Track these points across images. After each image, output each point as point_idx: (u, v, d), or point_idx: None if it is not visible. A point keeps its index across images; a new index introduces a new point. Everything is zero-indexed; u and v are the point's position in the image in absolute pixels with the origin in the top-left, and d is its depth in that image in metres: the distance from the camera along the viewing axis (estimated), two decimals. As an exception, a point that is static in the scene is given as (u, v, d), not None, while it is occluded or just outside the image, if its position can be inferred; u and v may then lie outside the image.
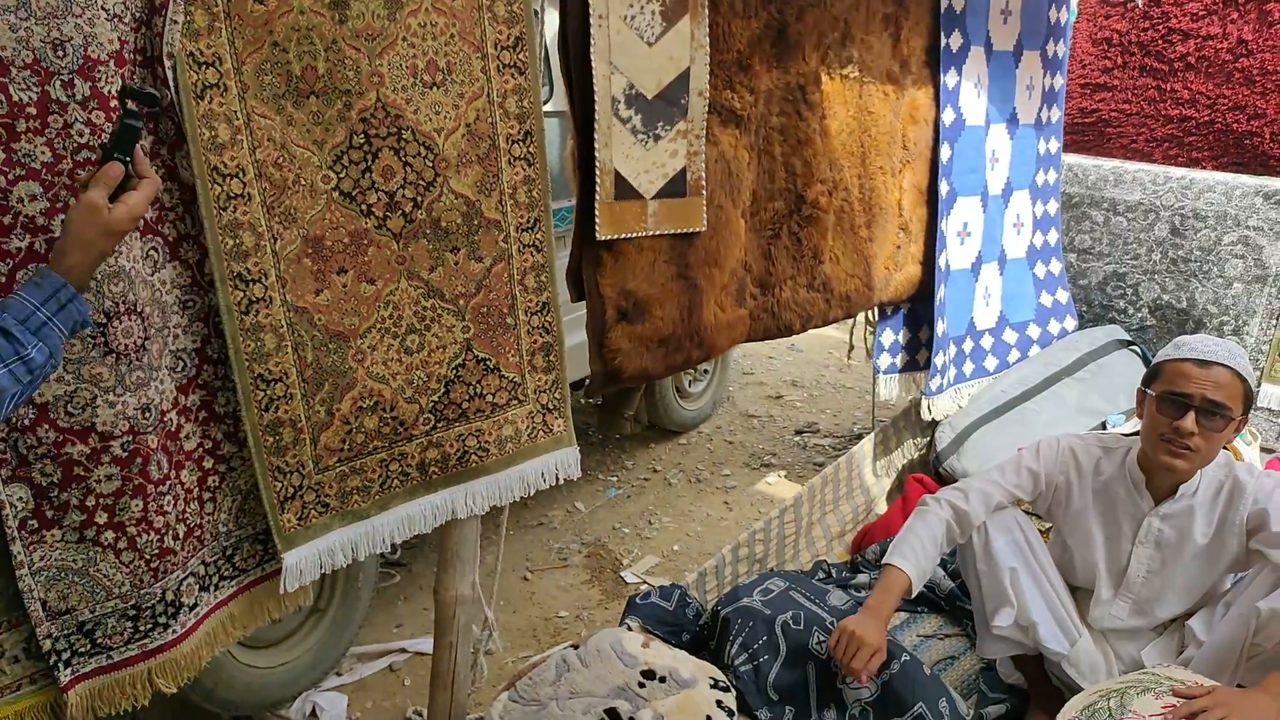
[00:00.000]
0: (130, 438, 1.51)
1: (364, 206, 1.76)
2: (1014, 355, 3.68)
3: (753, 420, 4.96)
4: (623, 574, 3.46)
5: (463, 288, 1.94)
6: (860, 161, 2.83)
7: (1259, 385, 3.63)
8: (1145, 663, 2.18)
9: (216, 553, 1.75)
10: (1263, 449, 3.43)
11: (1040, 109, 3.59)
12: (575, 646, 2.21)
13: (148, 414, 1.53)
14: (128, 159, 1.24)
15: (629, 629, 2.36)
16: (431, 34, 1.79)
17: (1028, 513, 2.45)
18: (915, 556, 2.11)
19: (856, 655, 1.98)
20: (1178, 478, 2.07)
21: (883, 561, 2.15)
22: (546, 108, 3.19)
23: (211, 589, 1.74)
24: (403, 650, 2.99)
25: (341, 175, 1.72)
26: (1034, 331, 3.75)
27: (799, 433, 4.78)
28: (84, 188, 1.23)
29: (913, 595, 2.13)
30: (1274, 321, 3.67)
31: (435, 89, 1.82)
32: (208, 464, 1.71)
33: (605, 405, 4.37)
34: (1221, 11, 3.92)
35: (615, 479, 4.26)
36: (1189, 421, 1.96)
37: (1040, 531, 2.37)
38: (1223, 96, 3.99)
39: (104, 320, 1.45)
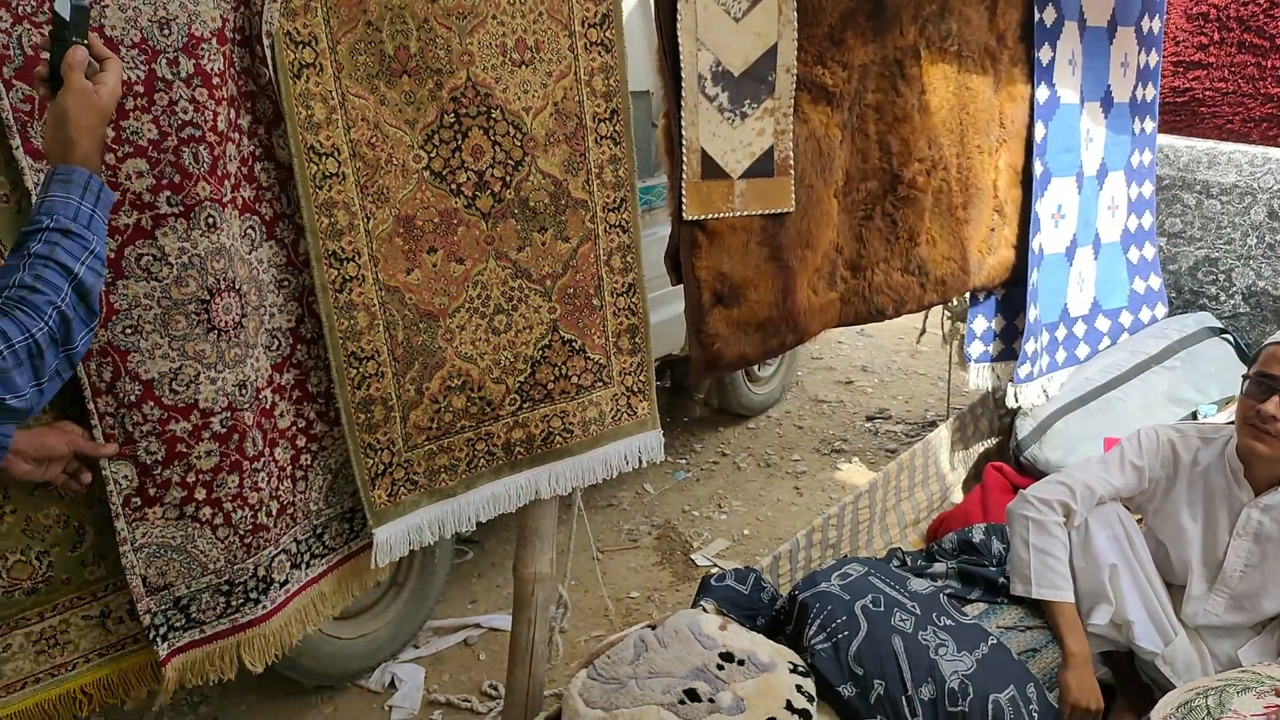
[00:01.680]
0: (229, 414, 1.53)
1: (454, 186, 1.76)
2: (1105, 343, 3.56)
3: (822, 405, 4.89)
4: (693, 556, 3.45)
5: (549, 268, 1.93)
6: (959, 140, 2.74)
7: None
8: (1243, 661, 2.11)
9: (308, 531, 1.78)
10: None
11: (1135, 87, 3.45)
12: (653, 627, 2.21)
13: (244, 390, 1.55)
14: (85, 41, 1.22)
15: (704, 610, 2.34)
16: (520, 11, 1.77)
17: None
18: (1065, 578, 2.15)
19: None
20: (1277, 468, 1.99)
21: (1039, 596, 2.18)
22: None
23: (303, 566, 1.77)
24: (477, 625, 3.03)
25: (432, 155, 1.72)
26: (1126, 319, 3.62)
27: (870, 419, 4.71)
28: (45, 82, 1.21)
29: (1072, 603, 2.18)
30: (1381, 310, 3.49)
31: (524, 67, 1.80)
32: (300, 442, 1.73)
33: (674, 388, 4.35)
34: (1332, -18, 3.72)
35: (684, 461, 4.25)
36: (1272, 405, 1.92)
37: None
38: (1331, 73, 3.79)
39: (207, 297, 1.48)
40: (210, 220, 1.46)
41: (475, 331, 1.85)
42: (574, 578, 3.23)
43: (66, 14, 1.19)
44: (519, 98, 1.81)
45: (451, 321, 1.81)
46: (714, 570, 3.24)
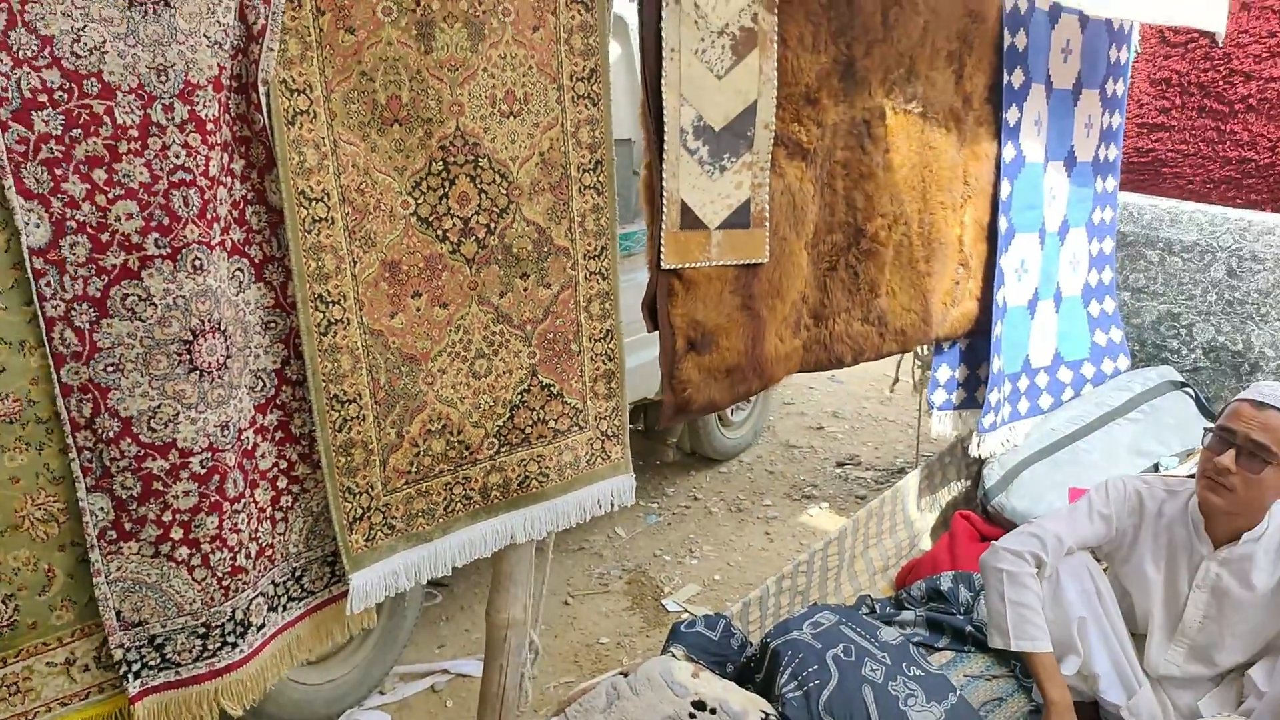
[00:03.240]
0: (209, 455, 1.54)
1: (440, 232, 1.79)
2: (1068, 394, 3.64)
3: (794, 450, 4.93)
4: (664, 602, 3.45)
5: (530, 313, 1.96)
6: (921, 196, 2.83)
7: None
8: (1203, 713, 2.14)
9: (286, 574, 1.77)
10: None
11: (1098, 147, 3.57)
12: (625, 674, 2.20)
13: (226, 431, 1.56)
14: None
15: (674, 657, 2.35)
16: (511, 65, 1.82)
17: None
18: (1041, 629, 2.14)
19: None
20: (1236, 523, 2.05)
21: (1018, 649, 2.16)
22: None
23: (280, 609, 1.76)
24: (445, 671, 2.99)
25: (420, 201, 1.75)
26: (1088, 370, 3.70)
27: (841, 464, 4.75)
28: None
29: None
30: (1334, 368, 3.60)
31: (512, 118, 1.84)
32: (281, 484, 1.73)
33: (647, 431, 4.37)
34: (1284, 53, 3.89)
35: (656, 505, 4.25)
36: (1227, 458, 1.97)
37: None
38: (1285, 139, 3.95)
39: (190, 337, 1.48)
40: (197, 263, 1.47)
41: (456, 375, 1.86)
42: (544, 622, 3.22)
43: None
44: (506, 147, 1.85)
45: (433, 365, 1.83)
46: (684, 616, 3.25)
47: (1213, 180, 4.17)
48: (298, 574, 1.79)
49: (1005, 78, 2.99)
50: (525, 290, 1.94)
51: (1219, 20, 3.24)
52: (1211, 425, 2.08)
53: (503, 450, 1.98)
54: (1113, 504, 2.24)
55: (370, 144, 1.68)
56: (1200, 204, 3.98)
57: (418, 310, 1.79)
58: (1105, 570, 2.37)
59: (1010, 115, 3.06)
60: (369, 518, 1.79)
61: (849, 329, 2.76)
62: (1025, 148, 3.18)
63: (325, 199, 1.63)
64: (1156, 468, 3.36)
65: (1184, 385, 3.69)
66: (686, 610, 3.38)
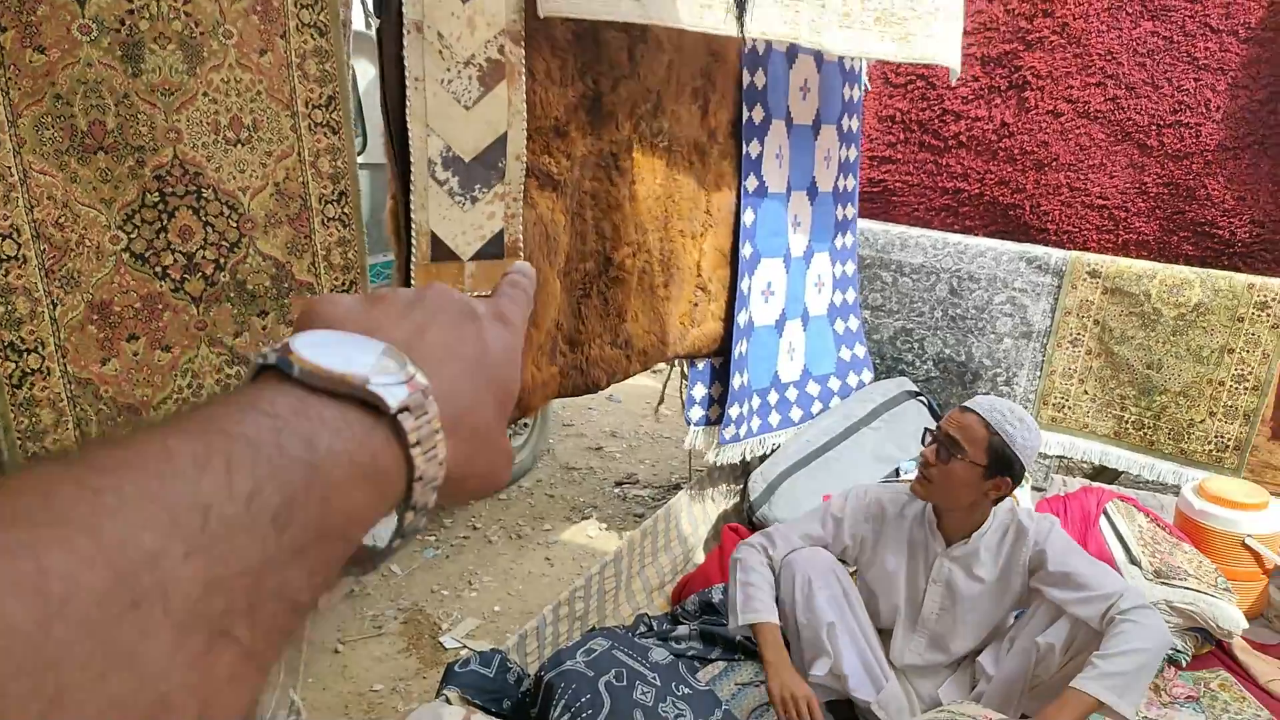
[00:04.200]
0: None
1: (158, 269, 1.65)
2: (817, 406, 3.90)
3: (573, 472, 4.96)
4: (442, 639, 3.35)
5: (270, 353, 1.84)
6: (663, 225, 2.96)
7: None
8: (942, 699, 2.34)
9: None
10: (1034, 488, 3.79)
11: (837, 178, 3.86)
12: (392, 725, 2.12)
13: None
14: None
15: (447, 701, 2.28)
16: (236, 90, 1.72)
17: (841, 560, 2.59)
18: (766, 604, 2.29)
19: (807, 710, 2.11)
20: (964, 522, 2.26)
21: (745, 623, 2.29)
22: (359, 160, 3.13)
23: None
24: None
25: (133, 235, 1.61)
26: (835, 384, 3.98)
27: (619, 484, 4.83)
28: None
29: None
30: (1038, 373, 4.08)
31: (240, 146, 1.74)
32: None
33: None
34: (987, 96, 4.39)
35: (433, 538, 4.13)
36: (929, 451, 2.18)
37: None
38: (990, 172, 4.45)
39: None
40: None
41: (185, 423, 1.72)
42: (311, 675, 3.03)
43: None
44: (234, 177, 1.74)
45: (156, 414, 1.68)
46: (463, 653, 3.17)
47: (934, 208, 4.63)
48: None
49: (745, 114, 3.18)
50: (264, 329, 1.83)
51: (957, 59, 3.56)
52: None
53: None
54: (848, 509, 2.42)
55: (70, 174, 1.52)
56: (925, 229, 4.40)
57: (135, 355, 1.64)
58: (854, 575, 2.55)
59: (752, 149, 3.25)
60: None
61: (602, 353, 2.83)
62: (768, 178, 3.39)
63: (14, 235, 1.46)
64: (897, 472, 3.66)
65: (918, 394, 4.05)
66: (466, 646, 3.30)
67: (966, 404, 2.22)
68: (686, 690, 2.31)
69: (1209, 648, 2.78)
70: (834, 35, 2.91)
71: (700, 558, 3.63)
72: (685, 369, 3.69)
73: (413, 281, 2.11)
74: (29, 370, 1.50)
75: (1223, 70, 3.91)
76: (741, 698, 2.74)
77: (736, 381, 3.42)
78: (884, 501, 2.43)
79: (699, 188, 3.07)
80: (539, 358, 2.51)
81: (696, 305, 3.25)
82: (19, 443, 1.49)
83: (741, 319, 3.38)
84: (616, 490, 4.75)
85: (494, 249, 2.28)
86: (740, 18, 2.55)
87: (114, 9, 1.52)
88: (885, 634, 2.48)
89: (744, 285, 3.35)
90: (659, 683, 2.29)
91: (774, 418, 3.69)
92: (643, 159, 2.76)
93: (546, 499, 4.61)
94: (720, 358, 3.49)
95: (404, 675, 3.13)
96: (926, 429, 2.27)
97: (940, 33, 3.36)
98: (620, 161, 2.65)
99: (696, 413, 3.53)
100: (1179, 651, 2.68)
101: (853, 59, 3.69)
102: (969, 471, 2.15)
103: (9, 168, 1.45)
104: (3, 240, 1.45)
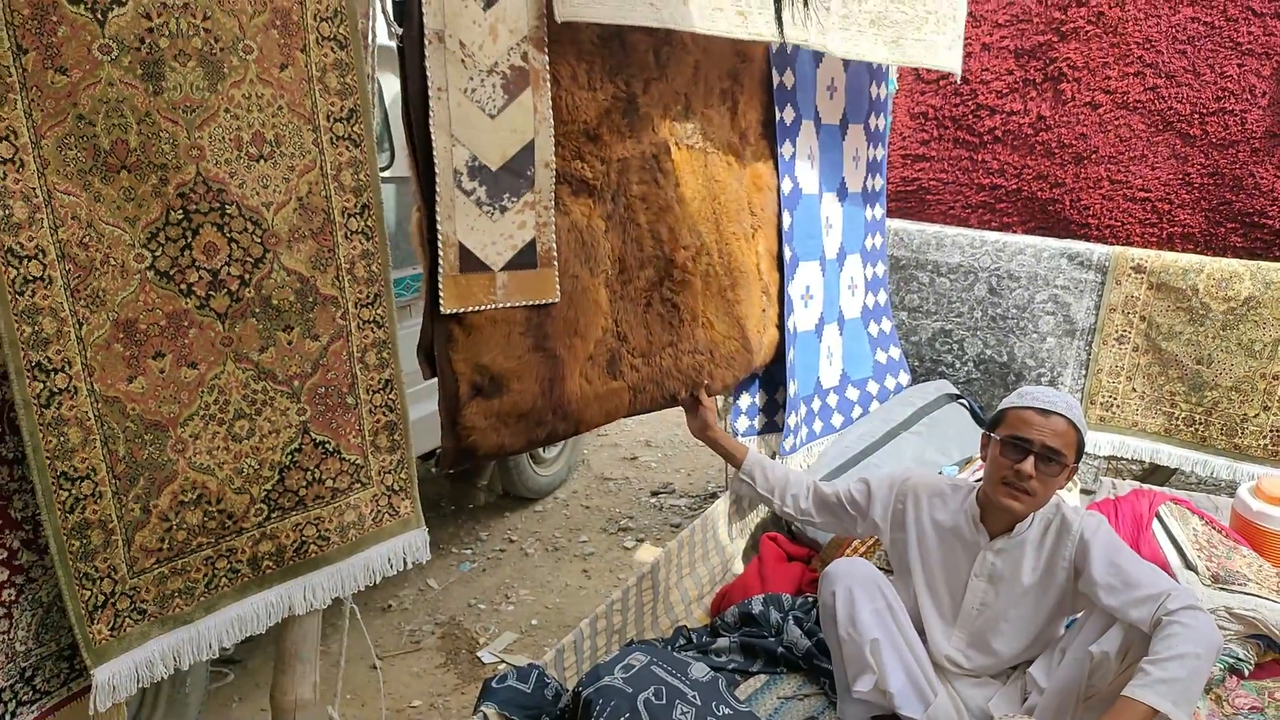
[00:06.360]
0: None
1: (183, 286, 1.64)
2: (857, 411, 3.83)
3: (609, 483, 4.93)
4: (479, 654, 3.33)
5: (297, 368, 1.83)
6: (716, 227, 2.89)
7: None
8: (993, 713, 2.26)
9: (13, 675, 1.56)
10: (1082, 491, 3.68)
11: (866, 178, 3.80)
12: (428, 742, 2.09)
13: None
14: None
15: (485, 718, 2.25)
16: (257, 105, 1.71)
17: (883, 569, 2.54)
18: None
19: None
20: (1014, 517, 2.19)
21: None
22: (386, 174, 3.12)
23: (7, 717, 1.54)
24: (238, 758, 2.75)
25: (157, 254, 1.61)
26: (873, 388, 3.91)
27: (655, 494, 4.79)
28: None
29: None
30: (1084, 372, 3.98)
31: (263, 162, 1.73)
32: (2, 576, 1.52)
33: (457, 475, 4.24)
34: (1022, 90, 4.30)
35: (470, 551, 4.12)
36: (1028, 465, 2.10)
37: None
38: (1027, 167, 4.35)
39: None
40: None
41: (212, 440, 1.71)
42: (349, 692, 3.03)
43: None
44: (258, 193, 1.73)
45: (183, 431, 1.67)
46: (501, 668, 3.14)
47: (970, 205, 4.54)
48: (28, 674, 1.58)
49: (777, 114, 3.13)
50: (290, 344, 1.82)
51: (955, 62, 3.53)
52: (995, 434, 2.19)
53: (274, 516, 1.83)
54: (885, 481, 2.45)
55: (94, 193, 1.52)
56: (961, 228, 4.31)
57: (161, 372, 1.63)
58: (891, 578, 2.48)
59: (785, 150, 3.20)
60: (114, 604, 1.60)
61: (677, 363, 2.77)
62: (801, 180, 3.33)
63: (40, 256, 1.46)
64: (939, 476, 3.57)
65: (959, 397, 3.96)
66: (504, 661, 3.28)
67: (1042, 406, 2.13)
68: (726, 711, 2.25)
69: (1272, 655, 2.66)
70: (835, 36, 2.88)
71: (739, 568, 3.57)
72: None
73: (440, 295, 2.09)
74: (56, 390, 1.49)
75: (1268, 54, 3.78)
76: (783, 712, 2.67)
77: (791, 389, 3.36)
78: (920, 485, 2.40)
79: (739, 188, 3.01)
80: (589, 370, 2.47)
81: (764, 310, 3.19)
82: (49, 462, 1.49)
83: (790, 324, 3.32)
84: (653, 500, 4.71)
85: (527, 259, 2.26)
86: (779, 19, 2.54)
87: (133, 27, 1.52)
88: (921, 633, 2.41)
89: (789, 289, 3.30)
90: (699, 701, 2.24)
91: (818, 425, 3.63)
92: (681, 160, 2.71)
93: (582, 510, 4.58)
94: (766, 366, 3.43)
95: (442, 690, 3.12)
96: (996, 437, 2.18)
97: (932, 37, 3.31)
98: (662, 163, 2.61)
99: (744, 423, 3.46)
100: (1241, 660, 2.57)
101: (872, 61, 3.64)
102: (1065, 475, 2.13)
103: (34, 189, 1.44)
104: (29, 261, 1.45)
